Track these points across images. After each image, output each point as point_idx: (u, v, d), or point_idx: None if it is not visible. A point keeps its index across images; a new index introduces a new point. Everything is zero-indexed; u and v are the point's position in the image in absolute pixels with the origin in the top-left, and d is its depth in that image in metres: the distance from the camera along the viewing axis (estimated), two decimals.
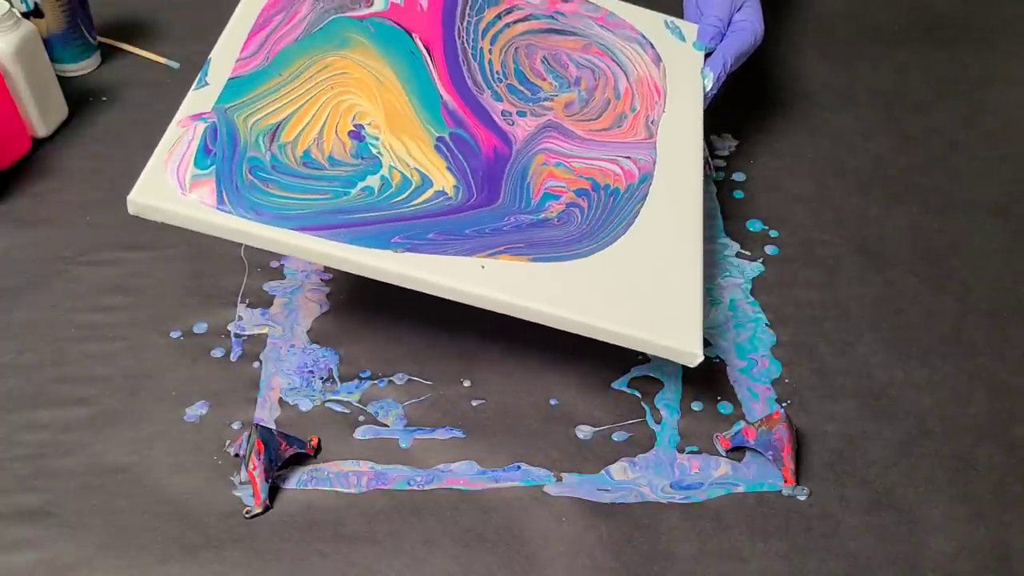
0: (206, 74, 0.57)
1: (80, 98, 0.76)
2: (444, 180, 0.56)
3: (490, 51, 0.64)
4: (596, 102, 0.63)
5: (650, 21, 0.69)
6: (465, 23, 0.64)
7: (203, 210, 0.52)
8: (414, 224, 0.54)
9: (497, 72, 0.62)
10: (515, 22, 0.66)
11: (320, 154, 0.56)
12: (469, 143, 0.58)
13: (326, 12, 0.62)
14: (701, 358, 0.52)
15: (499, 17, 0.65)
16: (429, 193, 0.55)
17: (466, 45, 0.63)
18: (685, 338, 0.52)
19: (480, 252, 0.53)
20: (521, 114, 0.61)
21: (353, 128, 0.57)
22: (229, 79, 0.57)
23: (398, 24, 0.63)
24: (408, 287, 0.53)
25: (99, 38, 0.80)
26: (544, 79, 0.63)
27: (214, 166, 0.53)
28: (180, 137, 0.54)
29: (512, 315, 0.53)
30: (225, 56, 0.59)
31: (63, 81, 0.75)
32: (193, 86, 0.57)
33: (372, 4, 0.63)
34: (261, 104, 0.57)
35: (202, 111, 0.56)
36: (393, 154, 0.57)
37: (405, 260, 0.52)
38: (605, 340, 0.53)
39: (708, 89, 0.66)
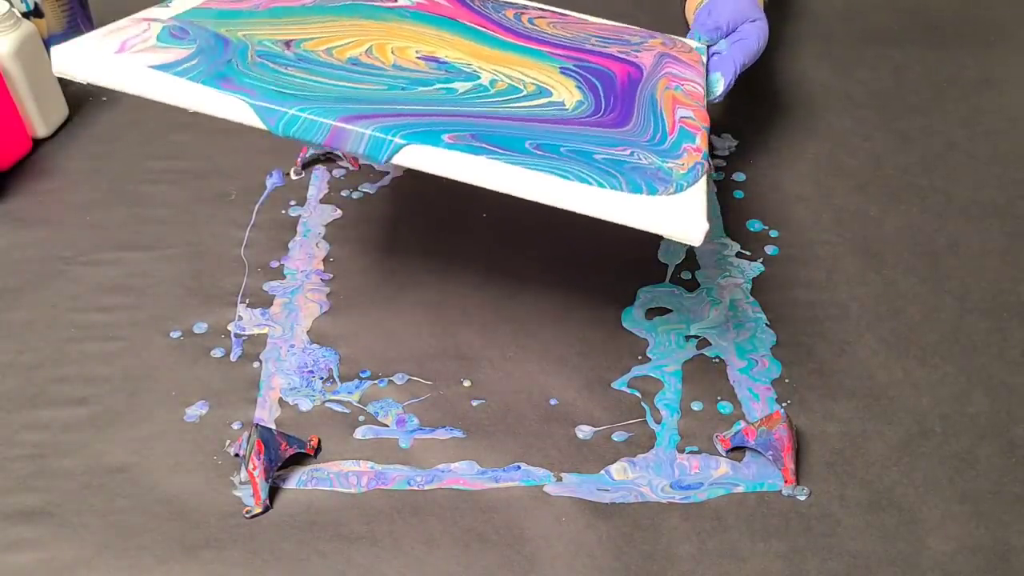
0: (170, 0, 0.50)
1: (80, 98, 0.76)
2: (568, 95, 0.48)
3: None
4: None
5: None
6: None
7: (145, 68, 0.42)
8: (496, 124, 0.44)
9: (574, 36, 0.56)
10: (539, 16, 0.62)
11: (378, 61, 0.47)
12: (601, 69, 0.51)
13: None
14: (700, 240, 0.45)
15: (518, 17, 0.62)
16: (540, 101, 0.47)
17: (521, 27, 0.56)
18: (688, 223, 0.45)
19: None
20: (636, 51, 0.56)
21: (422, 56, 0.48)
22: (201, 7, 0.49)
23: (435, 14, 0.56)
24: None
25: None
26: (621, 37, 0.58)
27: (195, 45, 0.45)
28: (128, 26, 0.47)
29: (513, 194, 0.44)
30: None
31: (63, 81, 0.75)
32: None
33: (397, 1, 0.57)
34: (254, 26, 0.48)
35: (156, 18, 0.47)
36: (500, 73, 0.48)
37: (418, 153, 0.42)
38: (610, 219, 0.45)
39: (719, 93, 0.66)
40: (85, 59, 0.45)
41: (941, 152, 0.77)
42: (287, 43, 0.47)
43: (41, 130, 0.73)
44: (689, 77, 0.57)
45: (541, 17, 0.63)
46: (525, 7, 0.65)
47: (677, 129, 0.50)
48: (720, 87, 0.66)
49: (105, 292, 0.63)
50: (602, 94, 0.50)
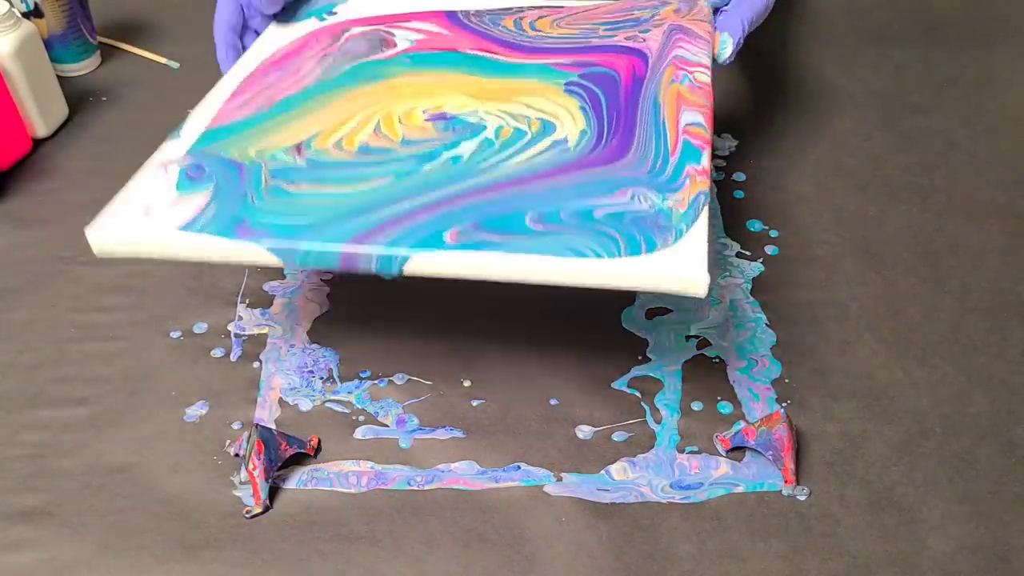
0: (180, 128, 0.52)
1: (80, 98, 0.76)
2: (572, 123, 0.48)
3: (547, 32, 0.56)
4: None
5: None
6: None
7: (171, 232, 0.44)
8: (498, 199, 0.45)
9: (580, 33, 0.55)
10: (539, 18, 0.61)
11: (387, 140, 0.48)
12: (607, 72, 0.51)
13: (339, 65, 0.56)
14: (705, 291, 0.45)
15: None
16: (544, 144, 0.47)
17: (523, 37, 0.56)
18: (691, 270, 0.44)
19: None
20: (645, 31, 0.55)
21: (429, 116, 0.49)
22: (211, 128, 0.51)
23: (436, 50, 0.57)
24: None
25: (99, 38, 0.80)
26: (631, 14, 0.57)
27: (212, 184, 0.47)
28: (150, 179, 0.48)
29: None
30: (208, 109, 0.52)
31: (63, 81, 0.75)
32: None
33: (395, 46, 0.57)
34: (264, 135, 0.49)
35: (173, 159, 0.49)
36: (505, 114, 0.48)
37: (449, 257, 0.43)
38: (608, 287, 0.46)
39: (727, 55, 0.63)
40: (120, 236, 0.46)
41: (941, 152, 0.77)
42: (298, 148, 0.48)
43: (41, 130, 0.73)
44: (699, 59, 0.55)
45: (542, 18, 0.63)
46: (522, 10, 0.64)
47: (680, 145, 0.49)
48: (728, 49, 0.63)
49: (105, 292, 0.63)
50: (605, 112, 0.50)
